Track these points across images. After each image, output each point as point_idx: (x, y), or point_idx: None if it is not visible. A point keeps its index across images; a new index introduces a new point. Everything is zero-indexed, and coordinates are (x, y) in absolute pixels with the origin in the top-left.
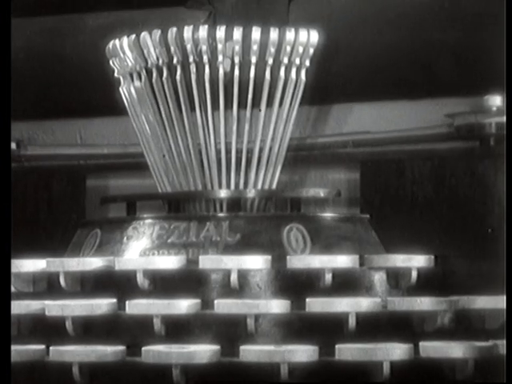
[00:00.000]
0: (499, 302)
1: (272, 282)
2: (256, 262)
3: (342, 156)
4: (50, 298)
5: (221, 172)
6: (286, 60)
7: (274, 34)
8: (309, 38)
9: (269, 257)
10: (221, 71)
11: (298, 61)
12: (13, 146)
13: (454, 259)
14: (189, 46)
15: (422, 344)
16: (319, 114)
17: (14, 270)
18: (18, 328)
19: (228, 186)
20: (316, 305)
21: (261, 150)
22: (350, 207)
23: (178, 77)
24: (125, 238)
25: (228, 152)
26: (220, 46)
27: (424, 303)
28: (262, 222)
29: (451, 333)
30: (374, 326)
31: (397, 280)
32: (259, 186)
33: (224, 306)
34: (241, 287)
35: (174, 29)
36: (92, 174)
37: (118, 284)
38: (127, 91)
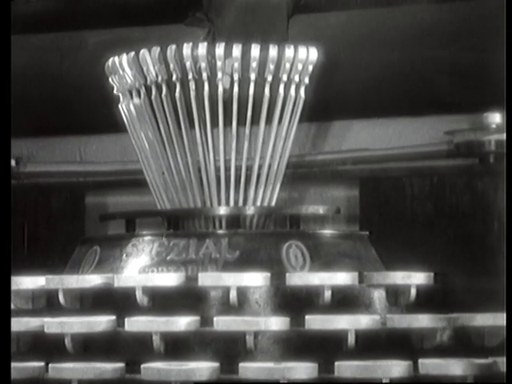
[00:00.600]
0: (499, 319)
1: (271, 299)
2: (255, 279)
3: (341, 173)
4: (49, 315)
5: (220, 189)
6: (285, 77)
7: (273, 51)
8: (308, 55)
9: (268, 274)
10: (220, 88)
11: (297, 78)
12: (12, 163)
13: (454, 276)
14: (188, 63)
15: (421, 361)
16: (318, 131)
17: (13, 287)
18: (17, 345)
19: (227, 203)
20: (315, 322)
21: (260, 167)
22: (349, 224)
23: (177, 94)
24: (124, 255)
25: (227, 169)
26: (219, 63)
27: (423, 320)
28: (262, 238)
29: (450, 350)
30: (374, 343)
31: (396, 297)
32: (258, 203)
33: (223, 323)
34: (240, 304)
35: (174, 46)
36: (91, 191)
37: (117, 301)
38: (126, 108)
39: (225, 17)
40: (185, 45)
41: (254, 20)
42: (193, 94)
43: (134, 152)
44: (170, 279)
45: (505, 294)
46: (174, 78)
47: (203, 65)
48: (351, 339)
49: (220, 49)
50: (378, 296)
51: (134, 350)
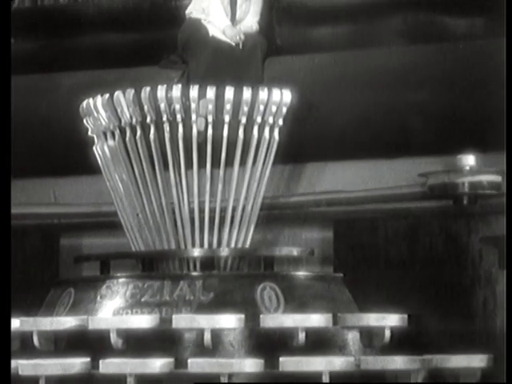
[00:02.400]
0: (473, 360)
1: (245, 340)
2: (229, 321)
3: (315, 215)
4: (24, 357)
5: (194, 231)
6: (259, 119)
7: (247, 93)
8: (282, 97)
9: (242, 316)
10: (194, 130)
11: (271, 120)
12: None
13: (428, 318)
14: (162, 105)
15: None
16: (292, 173)
17: None
18: None
19: (201, 245)
20: (289, 364)
21: (234, 209)
22: (323, 266)
23: (151, 136)
24: (98, 297)
25: (201, 211)
26: (193, 105)
27: (398, 362)
28: (236, 280)
29: None
30: None
31: (370, 339)
32: (233, 245)
33: (197, 365)
34: (214, 346)
35: (148, 88)
36: (66, 232)
37: (92, 343)
38: (101, 150)
39: (199, 59)
40: (159, 87)
41: (229, 62)
42: (167, 135)
43: (109, 194)
44: (144, 321)
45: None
46: (149, 119)
47: (177, 107)
48: (326, 381)
49: (194, 91)
50: (352, 338)
51: None
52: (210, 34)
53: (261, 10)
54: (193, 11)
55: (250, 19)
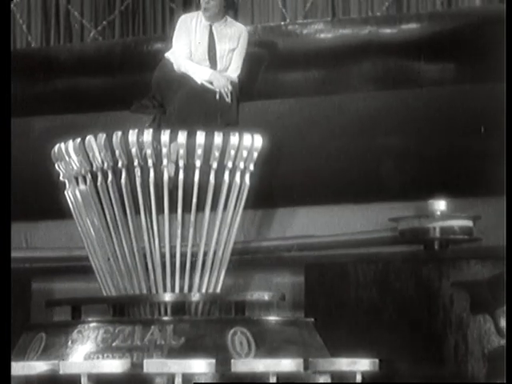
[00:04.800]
0: None
1: None
2: (200, 366)
3: (286, 259)
4: None
5: (165, 275)
6: (230, 164)
7: (218, 138)
8: (253, 142)
9: (213, 360)
10: (165, 175)
11: (242, 165)
12: None
13: (399, 363)
14: (134, 150)
15: None
16: (263, 218)
17: None
18: None
19: (173, 290)
20: None
21: (205, 254)
22: (294, 311)
23: (122, 180)
24: (70, 342)
25: (172, 255)
26: (164, 150)
27: None
28: (207, 325)
29: None
30: None
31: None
32: (204, 290)
33: None
34: None
35: (119, 132)
36: (37, 277)
37: None
38: (72, 195)
39: (172, 100)
40: (130, 131)
41: (202, 105)
42: (138, 180)
43: (80, 238)
44: (115, 366)
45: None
46: (120, 164)
47: (149, 151)
48: None
49: (165, 135)
50: (324, 382)
51: None
52: (199, 82)
53: (241, 65)
54: (172, 56)
55: (231, 73)
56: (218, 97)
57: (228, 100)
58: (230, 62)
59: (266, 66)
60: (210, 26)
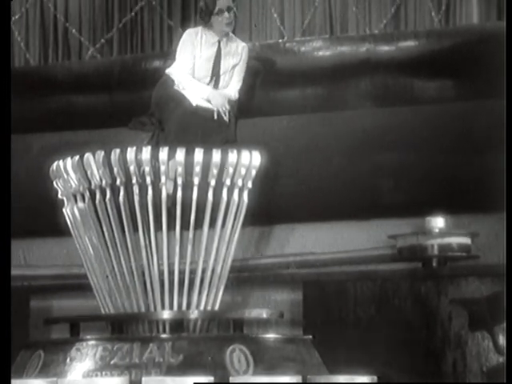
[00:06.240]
0: None
1: None
2: None
3: (284, 277)
4: None
5: (164, 293)
6: (228, 181)
7: (216, 155)
8: (251, 159)
9: (211, 378)
10: (163, 192)
11: (240, 182)
12: None
13: (397, 380)
14: (132, 168)
15: None
16: (262, 235)
17: None
18: None
19: (171, 307)
20: None
21: (203, 271)
22: (292, 328)
23: (121, 198)
24: (68, 359)
25: (171, 273)
26: (163, 168)
27: None
28: (205, 342)
29: None
30: None
31: None
32: (202, 307)
33: None
34: None
35: (118, 150)
36: (36, 295)
37: None
38: (70, 212)
39: (171, 117)
40: (129, 149)
41: (201, 123)
42: (136, 198)
43: (78, 256)
44: (113, 383)
45: (505, 294)
46: (118, 182)
47: (147, 169)
48: None
49: (164, 153)
50: None
51: None
52: (194, 104)
53: (242, 79)
54: (173, 72)
55: (231, 89)
56: (215, 116)
57: (226, 119)
58: (231, 78)
59: (262, 81)
60: (219, 42)
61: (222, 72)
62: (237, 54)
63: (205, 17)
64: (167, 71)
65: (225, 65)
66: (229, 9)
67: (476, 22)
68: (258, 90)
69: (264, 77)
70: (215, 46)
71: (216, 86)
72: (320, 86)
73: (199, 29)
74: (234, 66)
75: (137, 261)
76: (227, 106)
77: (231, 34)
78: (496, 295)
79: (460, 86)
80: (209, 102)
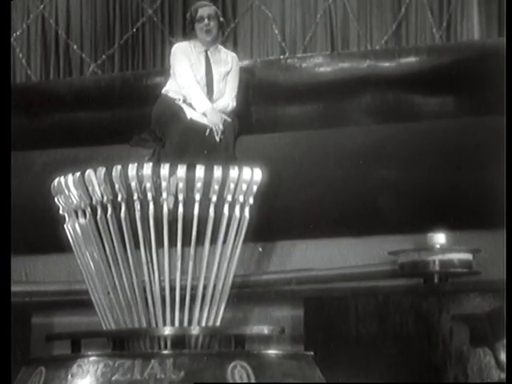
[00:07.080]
0: None
1: None
2: None
3: (285, 293)
4: None
5: (165, 309)
6: (229, 197)
7: (217, 171)
8: (252, 175)
9: None
10: (165, 208)
11: (241, 198)
12: None
13: None
14: (133, 184)
15: None
16: (263, 251)
17: None
18: None
19: (172, 323)
20: None
21: (205, 287)
22: (294, 344)
23: (122, 214)
24: (69, 376)
25: (172, 289)
26: (164, 184)
27: None
28: (207, 359)
29: None
30: None
31: None
32: (203, 323)
33: None
34: None
35: (119, 166)
36: (37, 311)
37: None
38: (72, 228)
39: (171, 136)
40: (130, 165)
41: (201, 140)
42: (138, 214)
43: (80, 272)
44: None
45: (505, 310)
46: (120, 198)
47: (148, 185)
48: None
49: (165, 169)
50: None
51: None
52: (188, 117)
53: (237, 87)
54: (170, 91)
55: (227, 98)
56: (207, 133)
57: (217, 138)
58: (226, 85)
59: (263, 97)
60: (206, 52)
61: (215, 80)
62: (227, 63)
63: (189, 25)
64: (163, 91)
65: (217, 73)
66: (209, 16)
67: (477, 38)
68: (258, 105)
69: (265, 92)
70: (203, 56)
71: (210, 94)
72: (321, 102)
73: (186, 42)
74: (226, 74)
75: (138, 277)
76: (221, 127)
77: (220, 46)
78: (497, 311)
79: (461, 102)
80: (205, 116)
